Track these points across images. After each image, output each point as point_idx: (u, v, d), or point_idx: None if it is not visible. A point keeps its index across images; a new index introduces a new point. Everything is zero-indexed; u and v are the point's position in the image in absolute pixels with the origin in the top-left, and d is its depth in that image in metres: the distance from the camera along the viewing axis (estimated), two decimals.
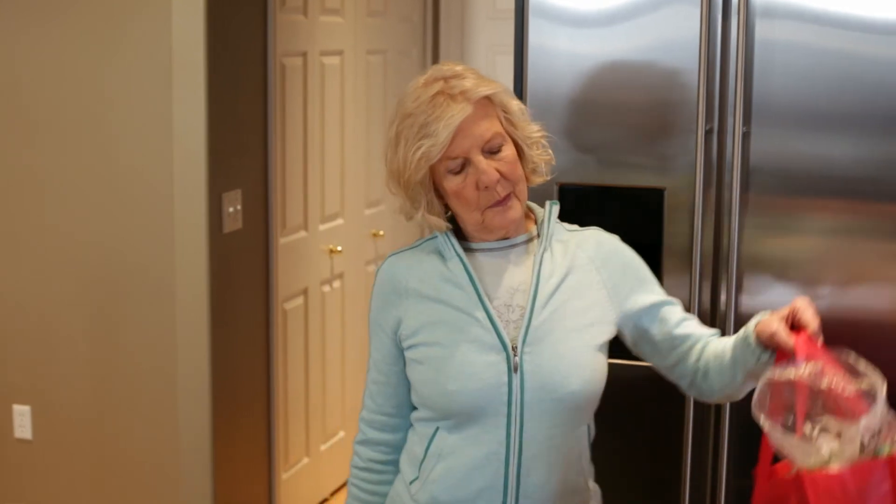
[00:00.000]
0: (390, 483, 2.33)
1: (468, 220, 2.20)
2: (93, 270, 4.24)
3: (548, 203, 2.28)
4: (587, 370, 2.17)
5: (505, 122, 2.17)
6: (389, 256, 2.32)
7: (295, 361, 4.77)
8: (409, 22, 5.88)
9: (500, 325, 2.16)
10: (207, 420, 4.14)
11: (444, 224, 2.23)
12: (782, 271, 2.90)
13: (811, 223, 2.87)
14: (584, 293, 2.21)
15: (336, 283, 5.13)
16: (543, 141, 2.23)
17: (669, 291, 2.95)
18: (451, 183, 2.16)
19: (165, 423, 4.23)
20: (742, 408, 2.21)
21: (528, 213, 2.29)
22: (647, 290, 2.27)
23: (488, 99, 2.14)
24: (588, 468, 2.26)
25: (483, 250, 2.24)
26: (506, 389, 2.14)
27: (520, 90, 3.01)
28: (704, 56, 2.85)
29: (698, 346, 2.25)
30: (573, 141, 2.98)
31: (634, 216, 2.93)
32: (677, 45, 2.90)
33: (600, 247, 2.26)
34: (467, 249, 2.25)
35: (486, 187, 2.13)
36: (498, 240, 2.23)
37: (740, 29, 2.82)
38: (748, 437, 2.39)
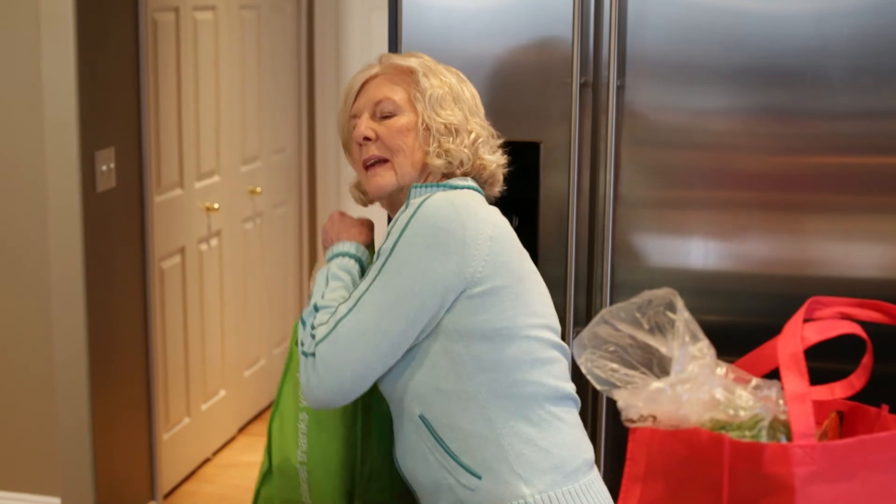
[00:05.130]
0: None
1: (362, 182, 2.29)
2: None
3: (412, 187, 2.22)
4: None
5: (415, 100, 2.20)
6: None
7: (173, 321, 4.72)
8: None
9: None
10: (85, 382, 4.09)
11: (363, 199, 2.35)
12: (658, 223, 2.93)
13: (686, 175, 2.90)
14: None
15: (213, 241, 5.09)
16: (457, 132, 2.21)
17: (546, 245, 2.98)
18: (353, 147, 2.28)
19: (42, 387, 4.17)
20: None
21: None
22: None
23: (406, 71, 2.22)
24: (450, 464, 2.10)
25: None
26: None
27: (394, 45, 2.99)
28: (578, 8, 2.86)
29: None
30: None
31: (511, 170, 2.95)
32: None
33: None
34: None
35: (358, 143, 2.21)
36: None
37: None
38: None
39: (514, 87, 2.97)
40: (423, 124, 2.18)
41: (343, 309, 2.05)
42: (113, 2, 4.14)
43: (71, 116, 3.94)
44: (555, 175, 2.96)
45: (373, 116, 2.21)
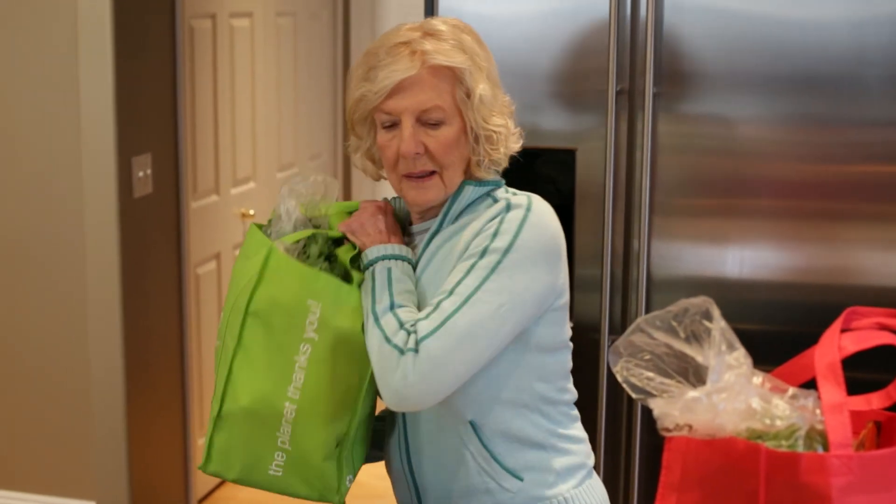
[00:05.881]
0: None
1: (390, 181, 2.11)
2: (0, 237, 4.17)
3: (463, 182, 2.08)
4: None
5: (461, 102, 2.02)
6: None
7: (209, 326, 4.73)
8: None
9: None
10: (121, 387, 4.10)
11: (376, 172, 2.16)
12: (694, 230, 2.92)
13: (722, 183, 2.89)
14: (448, 271, 2.03)
15: None
16: (502, 139, 2.07)
17: (582, 253, 2.98)
18: (380, 136, 2.06)
19: (78, 391, 4.19)
20: None
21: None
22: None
23: (450, 70, 2.00)
24: (494, 468, 2.07)
25: (409, 234, 2.16)
26: None
27: None
28: (615, 17, 2.86)
29: None
30: None
31: (546, 177, 2.94)
32: (588, 6, 2.90)
33: (487, 218, 2.02)
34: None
35: (403, 156, 2.02)
36: (420, 222, 2.14)
37: None
38: None
39: (550, 95, 2.96)
40: (471, 132, 2.04)
41: (448, 305, 1.93)
42: (150, 9, 4.16)
43: (108, 122, 3.96)
44: (590, 182, 2.96)
45: (416, 123, 2.02)
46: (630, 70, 2.90)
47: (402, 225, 2.19)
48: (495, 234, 1.97)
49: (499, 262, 1.95)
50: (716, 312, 1.60)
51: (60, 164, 4.06)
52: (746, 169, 2.86)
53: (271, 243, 2.11)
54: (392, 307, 1.97)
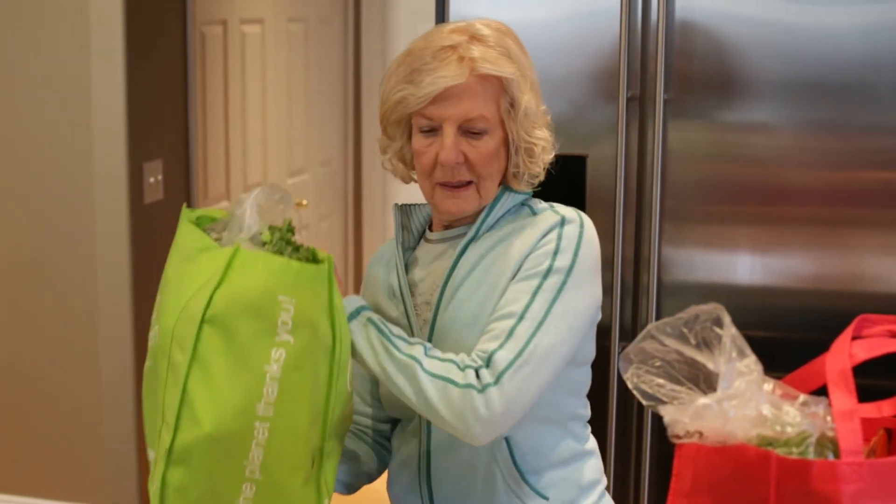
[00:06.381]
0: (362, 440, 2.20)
1: (421, 186, 2.04)
2: (11, 242, 4.18)
3: (501, 189, 2.03)
4: None
5: (504, 113, 1.96)
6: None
7: None
8: None
9: (416, 324, 2.03)
10: (131, 392, 4.11)
11: (407, 174, 2.08)
12: (705, 237, 2.92)
13: (732, 189, 2.89)
14: (497, 284, 1.96)
15: None
16: (542, 152, 2.03)
17: None
18: (417, 140, 1.99)
19: (89, 396, 4.19)
20: None
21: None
22: (508, 292, 1.94)
23: (498, 79, 1.94)
24: (521, 488, 2.02)
25: (430, 240, 2.10)
26: None
27: None
28: (626, 23, 2.86)
29: None
30: None
31: (557, 183, 2.95)
32: (599, 12, 2.91)
33: (540, 232, 1.96)
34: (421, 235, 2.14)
35: (442, 165, 1.95)
36: (446, 228, 2.08)
37: None
38: None
39: (561, 101, 2.96)
40: (512, 143, 1.98)
41: (522, 332, 1.87)
42: (161, 15, 4.17)
43: (119, 128, 3.96)
44: (601, 188, 2.96)
45: (458, 131, 1.95)
46: (641, 76, 2.90)
47: (422, 230, 2.15)
48: (556, 253, 1.93)
49: (564, 283, 1.91)
50: (726, 319, 1.60)
51: (71, 169, 4.07)
52: (757, 175, 2.86)
53: (236, 245, 1.83)
54: (426, 351, 1.91)
